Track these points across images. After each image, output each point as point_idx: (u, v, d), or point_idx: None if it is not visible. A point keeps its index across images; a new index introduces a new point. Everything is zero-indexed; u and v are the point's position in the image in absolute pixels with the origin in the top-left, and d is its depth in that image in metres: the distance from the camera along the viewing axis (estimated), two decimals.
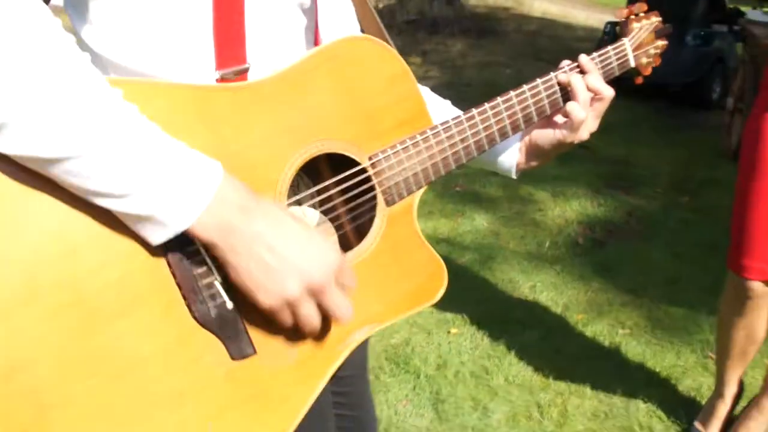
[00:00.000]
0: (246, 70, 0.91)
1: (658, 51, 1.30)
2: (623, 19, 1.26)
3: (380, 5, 14.04)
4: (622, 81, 1.27)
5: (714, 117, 7.29)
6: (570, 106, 1.10)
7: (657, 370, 2.79)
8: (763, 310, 2.18)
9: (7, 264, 0.70)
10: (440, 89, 5.50)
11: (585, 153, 5.55)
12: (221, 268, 0.79)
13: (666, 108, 7.47)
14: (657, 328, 3.09)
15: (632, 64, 1.24)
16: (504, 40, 11.64)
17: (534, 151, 1.16)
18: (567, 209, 4.52)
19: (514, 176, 1.19)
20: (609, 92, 1.13)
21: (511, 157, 1.18)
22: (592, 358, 2.86)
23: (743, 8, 8.71)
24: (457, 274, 3.47)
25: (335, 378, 0.93)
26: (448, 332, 3.02)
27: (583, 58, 1.14)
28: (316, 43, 1.03)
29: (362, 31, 1.09)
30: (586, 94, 1.11)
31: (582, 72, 1.13)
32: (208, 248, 0.77)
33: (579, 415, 2.51)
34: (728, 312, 2.27)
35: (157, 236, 0.74)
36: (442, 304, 3.21)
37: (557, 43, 11.89)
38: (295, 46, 1.00)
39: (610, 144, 5.81)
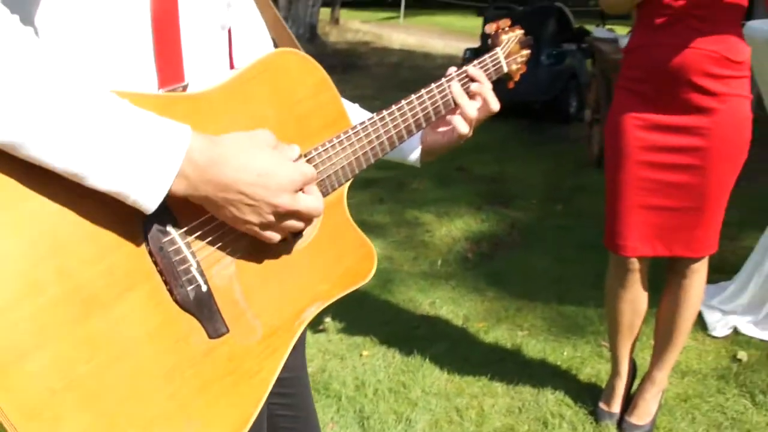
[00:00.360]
0: (185, 87, 1.02)
1: (524, 59, 1.49)
2: (493, 32, 1.44)
3: None
4: None
5: (574, 129, 7.82)
6: (459, 108, 1.28)
7: (558, 363, 3.01)
8: (641, 283, 2.46)
9: (8, 259, 0.78)
10: None
11: (462, 174, 5.85)
12: (195, 254, 0.92)
13: (530, 125, 7.93)
14: (552, 326, 3.33)
15: (506, 69, 1.42)
16: (368, 73, 11.98)
17: (432, 145, 1.33)
18: (453, 228, 4.75)
19: (418, 165, 1.37)
20: (495, 105, 1.32)
21: (416, 151, 1.35)
22: (498, 361, 3.05)
23: (588, 27, 9.38)
24: (360, 300, 3.59)
25: (278, 379, 1.04)
26: (361, 355, 3.13)
27: (471, 69, 1.30)
28: (230, 58, 1.15)
29: (276, 46, 1.22)
30: (467, 99, 1.28)
31: (471, 80, 1.30)
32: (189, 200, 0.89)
33: (495, 413, 2.68)
34: (613, 289, 2.52)
35: (143, 204, 0.83)
36: (350, 330, 3.33)
37: (419, 73, 12.34)
38: (219, 62, 1.11)
39: (483, 164, 6.13)
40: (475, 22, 16.79)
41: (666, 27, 2.14)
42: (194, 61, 1.03)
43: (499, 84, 1.40)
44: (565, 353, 3.08)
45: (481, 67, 1.33)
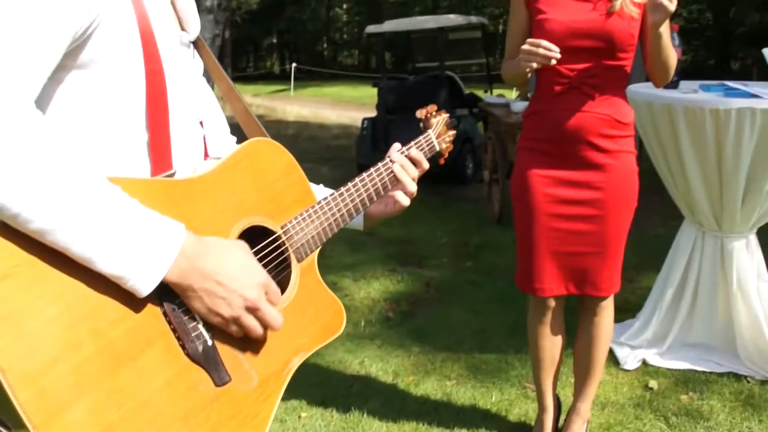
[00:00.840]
0: (173, 175, 1.17)
1: (451, 138, 1.72)
2: (424, 117, 1.66)
3: None
4: None
5: (472, 190, 8.23)
6: (400, 184, 1.47)
7: (488, 407, 3.20)
8: (558, 319, 2.73)
9: (51, 323, 0.92)
10: None
11: (371, 238, 6.05)
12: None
13: (431, 188, 8.23)
14: (478, 374, 3.52)
15: (438, 148, 1.64)
16: None
17: (376, 214, 1.52)
18: (371, 290, 4.91)
19: (362, 230, 1.56)
20: (426, 165, 1.52)
21: (360, 217, 1.53)
22: (432, 411, 3.21)
23: (477, 91, 9.92)
24: None
25: None
26: (299, 417, 3.22)
27: (411, 151, 1.51)
28: (205, 148, 1.31)
29: (246, 133, 1.39)
30: (408, 177, 1.48)
31: (411, 159, 1.50)
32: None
33: None
34: (534, 327, 2.76)
35: (139, 289, 0.98)
36: (286, 394, 3.39)
37: (317, 143, 12.59)
38: (198, 151, 1.27)
39: (391, 227, 6.36)
40: (363, 92, 17.30)
41: (563, 94, 2.44)
42: (179, 152, 1.19)
43: (431, 161, 1.62)
44: (493, 398, 3.27)
45: (418, 148, 1.54)
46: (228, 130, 1.45)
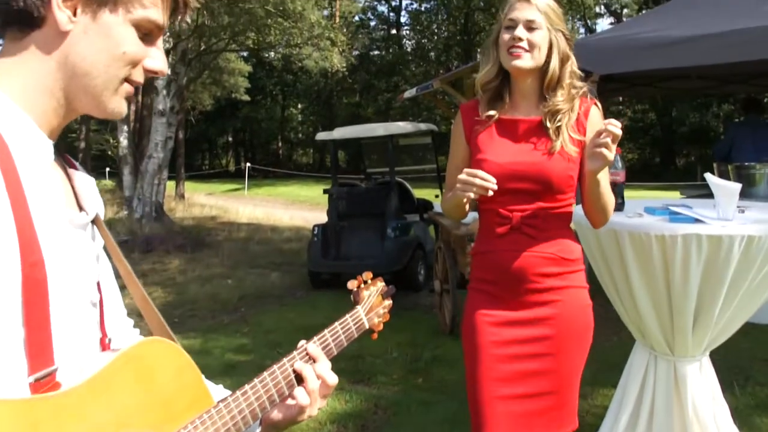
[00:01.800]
0: (55, 371, 1.02)
1: (386, 309, 1.59)
2: (355, 289, 1.54)
3: None
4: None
5: (424, 297, 8.10)
6: (297, 391, 1.29)
7: None
8: None
9: None
10: (169, 310, 5.63)
11: None
12: None
13: None
14: None
15: (367, 326, 1.51)
16: (218, 251, 11.95)
17: (274, 425, 1.31)
18: (318, 412, 4.69)
19: None
20: (333, 380, 1.33)
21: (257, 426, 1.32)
22: None
23: (430, 194, 9.97)
24: None
25: None
26: None
27: (311, 348, 1.33)
28: (102, 331, 1.17)
29: (146, 322, 1.25)
30: (315, 382, 1.30)
31: (311, 359, 1.32)
32: None
33: None
34: None
35: None
36: None
37: (268, 247, 12.47)
38: (90, 338, 1.13)
39: None
40: (317, 191, 17.29)
41: (505, 236, 2.38)
42: (65, 342, 1.05)
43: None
44: None
45: (343, 328, 1.41)
46: (124, 312, 1.32)
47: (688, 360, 3.28)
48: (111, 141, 18.94)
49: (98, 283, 1.17)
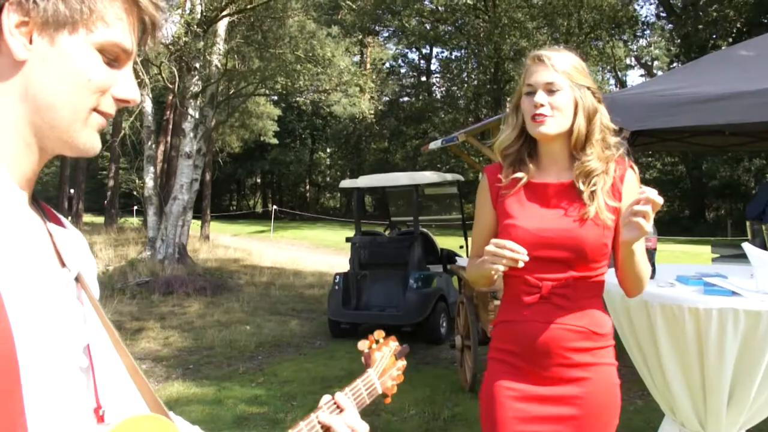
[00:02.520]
0: None
1: (400, 371, 1.45)
2: (366, 350, 1.40)
3: (110, 268, 13.82)
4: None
5: (445, 351, 7.89)
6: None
7: None
8: None
9: None
10: (185, 355, 5.47)
11: None
12: None
13: None
14: None
15: (380, 391, 1.38)
16: (239, 295, 11.86)
17: None
18: None
19: None
20: (363, 429, 1.24)
21: None
22: None
23: (455, 244, 9.82)
24: None
25: None
26: None
27: (339, 397, 1.25)
28: (96, 400, 1.04)
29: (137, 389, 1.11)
30: (346, 431, 1.21)
31: (339, 409, 1.23)
32: None
33: None
34: None
35: None
36: None
37: (290, 293, 12.36)
38: (81, 408, 1.00)
39: None
40: (342, 236, 17.31)
41: (534, 305, 2.20)
42: (45, 415, 0.91)
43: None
44: None
45: (354, 395, 1.28)
46: (126, 377, 1.17)
47: None
48: (137, 181, 19.05)
49: (88, 347, 1.04)
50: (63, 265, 1.02)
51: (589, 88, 2.22)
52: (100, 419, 1.04)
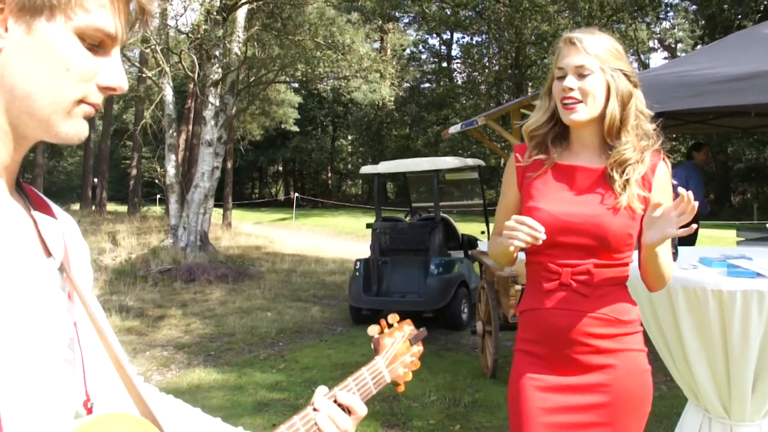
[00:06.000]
0: None
1: (415, 357, 1.40)
2: (375, 336, 1.35)
3: (133, 256, 13.90)
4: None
5: (466, 337, 7.86)
6: None
7: None
8: None
9: None
10: (206, 342, 5.48)
11: None
12: None
13: None
14: None
15: (388, 379, 1.32)
16: (260, 282, 11.89)
17: None
18: None
19: None
20: (362, 411, 1.20)
21: None
22: None
23: (476, 230, 9.76)
24: None
25: None
26: None
27: (340, 394, 1.19)
28: (86, 392, 1.01)
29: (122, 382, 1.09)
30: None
31: (341, 405, 1.18)
32: None
33: None
34: None
35: None
36: None
37: (312, 279, 12.38)
38: (68, 402, 0.97)
39: None
40: (364, 223, 17.32)
41: (554, 292, 2.15)
42: (24, 411, 0.88)
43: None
44: None
45: (357, 384, 1.24)
46: (109, 365, 1.14)
47: (746, 424, 3.03)
48: (159, 170, 19.13)
49: (76, 339, 1.01)
50: (49, 254, 0.99)
51: (623, 72, 2.15)
52: (89, 411, 1.01)
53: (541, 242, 2.00)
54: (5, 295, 0.88)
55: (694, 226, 1.92)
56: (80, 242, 1.10)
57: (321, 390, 1.20)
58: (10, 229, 0.93)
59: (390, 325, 1.39)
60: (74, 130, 0.94)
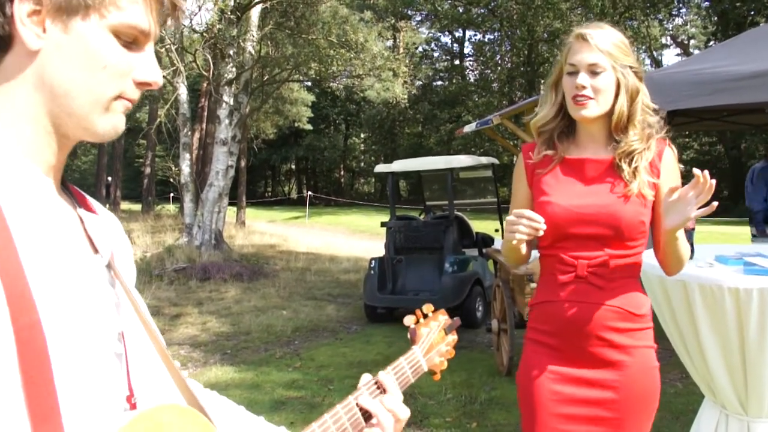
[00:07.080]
0: None
1: (450, 345, 1.43)
2: (412, 326, 1.38)
3: (148, 254, 13.99)
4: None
5: (482, 335, 7.88)
6: (376, 415, 1.15)
7: None
8: None
9: None
10: (222, 341, 5.53)
11: None
12: None
13: None
14: None
15: (425, 368, 1.34)
16: (275, 280, 11.94)
17: None
18: None
19: None
20: (405, 414, 1.19)
21: None
22: None
23: (490, 227, 9.76)
24: None
25: None
26: None
27: (383, 377, 1.21)
28: (129, 388, 1.04)
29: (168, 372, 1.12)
30: (387, 416, 1.17)
31: (382, 390, 1.20)
32: None
33: None
34: None
35: None
36: None
37: (326, 278, 12.41)
38: (116, 396, 1.01)
39: None
40: (377, 221, 17.35)
41: (569, 285, 2.18)
42: (79, 404, 0.92)
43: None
44: None
45: (396, 374, 1.26)
46: (157, 359, 1.17)
47: (764, 420, 3.04)
48: (173, 168, 19.23)
49: (122, 333, 1.05)
50: (96, 251, 1.02)
51: (631, 68, 2.18)
52: (133, 407, 1.04)
53: (542, 233, 2.04)
54: (63, 291, 0.92)
55: (715, 203, 1.94)
56: (124, 239, 1.13)
57: (364, 378, 1.22)
58: (60, 228, 0.97)
59: (425, 315, 1.42)
60: (111, 124, 0.97)
